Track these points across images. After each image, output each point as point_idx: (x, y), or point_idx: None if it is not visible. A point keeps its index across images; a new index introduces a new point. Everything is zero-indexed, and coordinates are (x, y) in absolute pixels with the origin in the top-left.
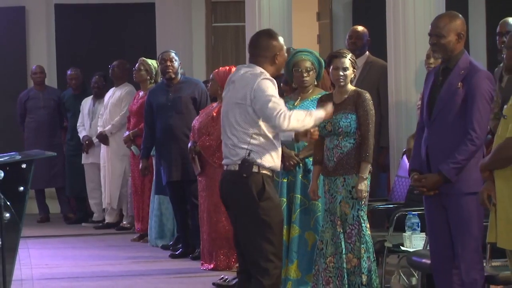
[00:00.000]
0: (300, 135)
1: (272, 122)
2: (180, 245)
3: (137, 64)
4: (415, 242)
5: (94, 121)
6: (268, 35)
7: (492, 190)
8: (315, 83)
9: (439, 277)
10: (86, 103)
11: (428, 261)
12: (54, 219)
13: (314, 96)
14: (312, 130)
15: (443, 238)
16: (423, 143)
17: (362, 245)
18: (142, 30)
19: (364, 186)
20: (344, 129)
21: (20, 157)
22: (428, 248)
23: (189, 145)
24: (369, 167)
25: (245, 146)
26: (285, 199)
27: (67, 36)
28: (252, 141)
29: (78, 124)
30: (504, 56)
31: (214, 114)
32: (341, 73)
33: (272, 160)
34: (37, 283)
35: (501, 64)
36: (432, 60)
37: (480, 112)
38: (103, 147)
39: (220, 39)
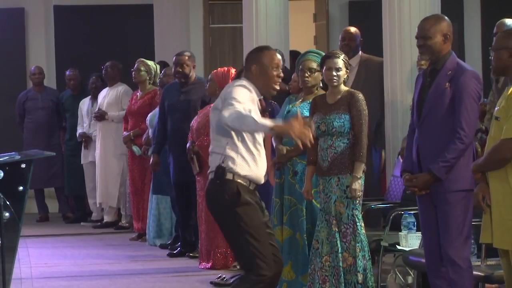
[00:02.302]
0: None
1: (221, 114)
2: (178, 244)
3: (136, 65)
4: (411, 241)
5: (92, 121)
6: (258, 47)
7: (486, 191)
8: (321, 85)
9: (433, 276)
10: (84, 103)
11: (424, 260)
12: (53, 218)
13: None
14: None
15: (436, 237)
16: (414, 144)
17: (357, 244)
18: (140, 31)
19: (358, 185)
20: (337, 129)
21: (19, 157)
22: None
23: (188, 145)
24: (363, 166)
25: (221, 152)
26: (278, 200)
27: (66, 37)
28: (227, 147)
29: (78, 125)
30: (492, 58)
31: None
32: (334, 73)
33: (249, 169)
34: (36, 282)
35: None
36: (423, 62)
37: (468, 111)
38: (98, 146)
39: (217, 40)
